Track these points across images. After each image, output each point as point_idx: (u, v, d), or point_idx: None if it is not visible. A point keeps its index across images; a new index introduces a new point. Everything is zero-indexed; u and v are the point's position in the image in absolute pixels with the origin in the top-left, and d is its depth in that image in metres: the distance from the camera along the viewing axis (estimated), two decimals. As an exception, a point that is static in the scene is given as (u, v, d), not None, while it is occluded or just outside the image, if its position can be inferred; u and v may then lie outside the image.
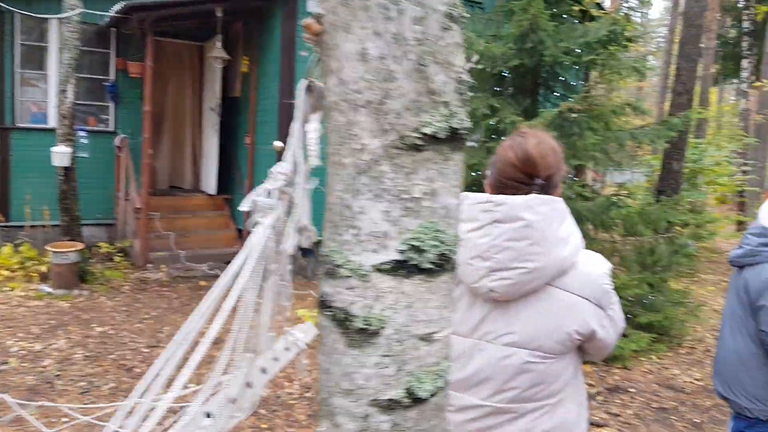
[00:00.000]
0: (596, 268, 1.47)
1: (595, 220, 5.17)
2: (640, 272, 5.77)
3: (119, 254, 8.04)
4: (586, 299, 1.44)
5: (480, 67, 6.11)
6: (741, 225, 14.62)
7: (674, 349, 5.68)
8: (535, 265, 1.37)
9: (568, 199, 4.72)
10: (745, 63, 15.89)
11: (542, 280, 1.40)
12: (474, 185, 6.18)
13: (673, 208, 6.01)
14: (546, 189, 1.46)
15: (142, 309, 6.24)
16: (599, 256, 1.52)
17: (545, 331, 1.43)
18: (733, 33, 17.88)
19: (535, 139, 1.49)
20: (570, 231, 1.44)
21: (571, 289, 1.42)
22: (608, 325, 1.48)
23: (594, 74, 5.31)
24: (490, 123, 5.69)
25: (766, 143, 13.09)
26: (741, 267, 2.72)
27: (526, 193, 1.43)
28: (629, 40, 5.87)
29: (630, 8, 6.57)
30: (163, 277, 7.52)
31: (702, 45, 17.32)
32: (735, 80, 18.57)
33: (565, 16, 5.99)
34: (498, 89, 6.08)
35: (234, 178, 9.03)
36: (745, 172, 13.56)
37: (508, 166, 1.48)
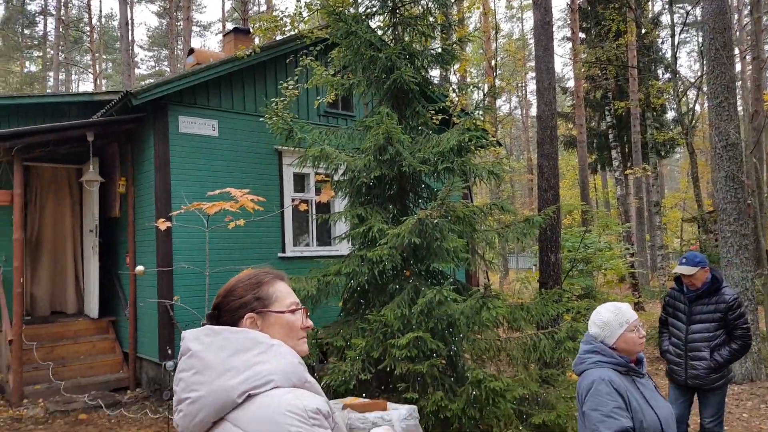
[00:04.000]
0: (282, 406, 1.27)
1: (468, 323, 5.16)
2: (526, 369, 5.78)
3: (-9, 392, 7.30)
4: None
5: (346, 178, 6.26)
6: (637, 305, 15.39)
7: None
8: (198, 394, 1.32)
9: (438, 304, 4.69)
10: (614, 153, 17.47)
11: (211, 412, 1.30)
12: (354, 295, 6.11)
13: (554, 300, 6.14)
14: (224, 319, 1.46)
15: (7, 455, 5.53)
16: (305, 393, 1.34)
17: None
18: (602, 126, 19.74)
19: (241, 275, 1.54)
20: (252, 362, 1.32)
21: (239, 423, 1.28)
22: None
23: (451, 181, 5.50)
24: (362, 231, 5.73)
25: (643, 226, 14.14)
26: (579, 374, 2.75)
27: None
28: (482, 146, 6.23)
29: (480, 112, 7.03)
30: (39, 413, 6.85)
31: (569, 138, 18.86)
32: (609, 169, 20.26)
33: (420, 128, 6.30)
34: (367, 198, 6.19)
35: (117, 300, 8.58)
36: (632, 254, 14.47)
37: None
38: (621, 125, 18.40)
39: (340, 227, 8.15)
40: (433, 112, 6.95)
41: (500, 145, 10.76)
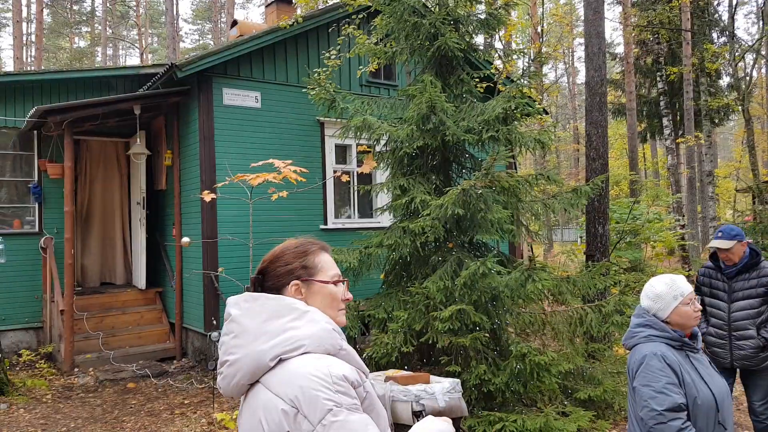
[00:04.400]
0: (307, 369, 1.28)
1: (513, 296, 5.08)
2: (571, 343, 5.67)
3: (43, 360, 7.66)
4: (281, 398, 1.28)
5: (388, 149, 6.19)
6: (687, 278, 14.90)
7: (619, 424, 5.29)
8: (235, 357, 1.37)
9: (482, 276, 4.62)
10: (665, 121, 16.76)
11: (246, 375, 1.36)
12: (396, 267, 6.09)
13: (601, 273, 5.97)
14: (269, 284, 1.49)
15: (60, 421, 5.85)
16: (333, 360, 1.33)
17: (253, 430, 1.34)
18: (653, 93, 18.93)
19: (287, 242, 1.56)
20: (285, 327, 1.35)
21: (270, 385, 1.32)
22: None
23: (496, 150, 5.37)
24: (404, 202, 5.68)
25: (694, 196, 13.59)
26: (630, 349, 2.66)
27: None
28: (528, 114, 6.04)
29: (527, 79, 6.80)
30: (89, 382, 7.14)
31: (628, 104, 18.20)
32: (659, 137, 19.49)
33: (465, 96, 6.14)
34: (409, 169, 6.11)
35: (164, 271, 8.82)
36: (683, 226, 13.97)
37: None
38: (673, 92, 17.59)
39: (382, 199, 8.11)
40: (477, 79, 6.76)
41: (546, 113, 10.44)
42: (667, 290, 2.51)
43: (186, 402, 6.42)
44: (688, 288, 2.54)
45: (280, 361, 1.32)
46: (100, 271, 9.60)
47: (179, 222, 8.23)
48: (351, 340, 6.90)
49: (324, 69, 7.41)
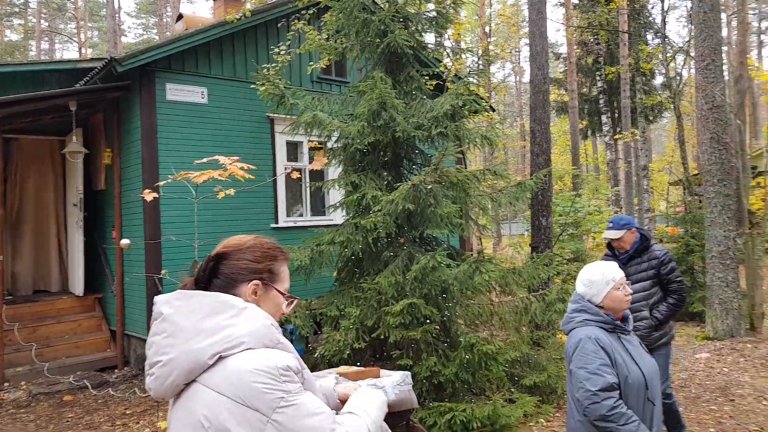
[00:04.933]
0: (251, 364, 1.29)
1: (462, 288, 5.19)
2: (518, 332, 5.84)
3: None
4: (227, 396, 1.29)
5: (339, 145, 6.19)
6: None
7: (562, 407, 5.46)
8: (169, 357, 1.34)
9: (432, 270, 4.69)
10: (604, 118, 17.40)
11: (182, 374, 1.34)
12: (348, 264, 6.11)
13: (545, 264, 6.17)
14: (224, 273, 1.48)
15: (-13, 441, 5.51)
16: (275, 352, 1.35)
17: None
18: (594, 92, 19.62)
19: (256, 238, 1.57)
20: (224, 324, 1.35)
21: (211, 384, 1.31)
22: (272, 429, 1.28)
23: (445, 146, 5.46)
24: (356, 199, 5.69)
25: (631, 190, 14.20)
26: (567, 334, 2.78)
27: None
28: (475, 112, 6.16)
29: (474, 76, 6.95)
30: (21, 397, 6.71)
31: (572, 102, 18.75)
32: (599, 134, 20.22)
33: (414, 93, 6.21)
34: (361, 165, 6.13)
35: (104, 276, 8.48)
36: (619, 218, 14.50)
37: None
38: (611, 90, 18.29)
39: (335, 196, 8.10)
40: (427, 77, 6.85)
41: (494, 110, 10.67)
42: (600, 277, 2.65)
43: (128, 412, 6.17)
44: (619, 273, 2.68)
45: (220, 358, 1.32)
46: (33, 278, 9.10)
47: (120, 224, 7.92)
48: (303, 339, 6.89)
49: (273, 65, 7.32)
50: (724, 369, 6.47)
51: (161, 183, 6.23)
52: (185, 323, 1.35)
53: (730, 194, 7.91)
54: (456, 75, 8.92)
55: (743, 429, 4.78)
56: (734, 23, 16.48)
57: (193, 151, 7.31)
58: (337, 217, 7.87)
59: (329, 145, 6.54)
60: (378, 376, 3.51)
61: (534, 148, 7.85)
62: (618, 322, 2.65)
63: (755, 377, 6.08)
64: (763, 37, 29.40)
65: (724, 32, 18.64)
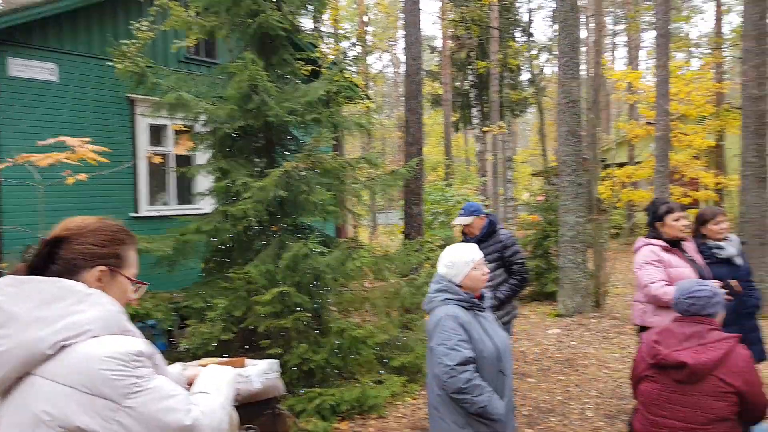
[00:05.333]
0: (100, 351, 1.23)
1: (334, 275, 5.21)
2: (388, 316, 6.00)
3: None
4: (72, 387, 1.21)
5: (208, 129, 5.93)
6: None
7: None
8: (2, 349, 1.24)
9: (304, 257, 4.65)
10: (474, 111, 18.33)
11: (16, 367, 1.23)
12: (216, 254, 5.89)
13: (415, 249, 6.38)
14: (64, 257, 1.36)
15: None
16: (124, 338, 1.29)
17: (24, 429, 1.23)
18: (466, 86, 20.55)
19: (100, 220, 1.46)
20: (66, 311, 1.26)
21: (52, 376, 1.23)
22: (124, 419, 1.22)
23: (319, 132, 5.43)
24: (224, 185, 5.49)
25: (497, 180, 15.14)
26: (429, 313, 2.90)
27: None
28: (350, 98, 6.19)
29: (349, 63, 7.02)
30: None
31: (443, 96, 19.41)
32: (470, 126, 21.27)
33: (288, 77, 6.10)
34: (231, 151, 5.92)
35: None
36: (487, 206, 15.44)
37: None
38: (482, 85, 19.26)
39: (203, 183, 7.74)
40: (302, 62, 6.74)
41: (369, 98, 10.80)
42: (460, 258, 2.81)
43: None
44: (478, 254, 2.86)
45: (63, 347, 1.23)
46: None
47: (-45, 211, 7.04)
48: (166, 334, 6.55)
49: (134, 41, 6.81)
50: (572, 342, 7.12)
51: (0, 166, 5.59)
52: (20, 311, 1.24)
53: (582, 183, 8.69)
54: (333, 62, 8.88)
55: (586, 395, 5.29)
56: (592, 25, 17.98)
57: (41, 134, 6.58)
58: (206, 205, 7.56)
59: (197, 128, 6.24)
60: (243, 366, 3.43)
61: (408, 138, 8.07)
62: (476, 300, 2.81)
63: (598, 349, 6.75)
64: (616, 38, 32.47)
65: (584, 34, 20.40)
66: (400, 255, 6.19)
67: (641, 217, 11.65)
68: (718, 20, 17.39)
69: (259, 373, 3.19)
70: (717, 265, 3.96)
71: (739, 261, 4.00)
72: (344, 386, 4.86)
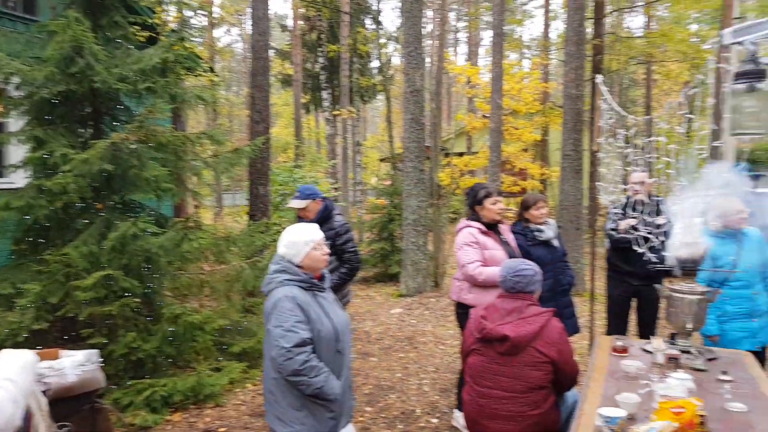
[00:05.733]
0: None
1: (169, 257, 4.86)
2: (229, 300, 5.76)
3: None
4: None
5: (23, 93, 5.18)
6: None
7: None
8: None
9: (134, 238, 4.26)
10: (325, 94, 18.33)
11: None
12: (30, 233, 5.20)
13: (261, 231, 6.18)
14: None
15: None
16: None
17: None
18: (317, 67, 20.41)
19: None
20: None
21: None
22: None
23: (152, 102, 4.99)
24: (40, 157, 4.85)
25: (347, 164, 15.31)
26: (268, 294, 2.80)
27: None
28: (189, 69, 5.79)
29: (192, 33, 6.61)
30: None
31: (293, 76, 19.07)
32: (321, 109, 21.23)
33: (120, 41, 5.53)
34: (51, 118, 5.23)
35: None
36: (336, 189, 15.55)
37: None
38: (333, 68, 19.24)
39: (16, 154, 6.77)
40: (138, 26, 6.15)
41: (213, 72, 10.25)
42: (300, 237, 2.76)
43: None
44: (319, 235, 2.84)
45: None
46: None
47: None
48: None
49: None
50: (413, 321, 7.45)
51: None
52: None
53: (423, 169, 9.07)
54: (173, 30, 8.26)
55: (424, 370, 5.56)
56: (437, 19, 18.78)
57: None
58: (19, 179, 6.64)
59: (11, 92, 5.42)
60: (56, 358, 3.08)
61: (254, 115, 7.79)
62: (315, 281, 2.78)
63: (436, 326, 7.13)
64: (459, 34, 34.34)
65: (430, 27, 21.29)
66: (244, 237, 5.97)
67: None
68: (546, 25, 19.18)
69: (74, 364, 2.89)
70: (537, 247, 4.34)
71: (556, 243, 4.42)
72: (178, 376, 4.58)
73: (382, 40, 15.01)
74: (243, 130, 33.02)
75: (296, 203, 4.48)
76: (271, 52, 18.89)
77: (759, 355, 3.85)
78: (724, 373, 2.91)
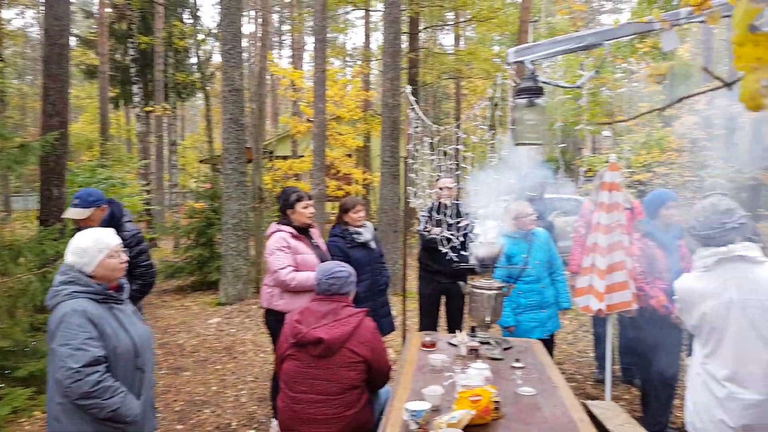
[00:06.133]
0: None
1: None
2: (12, 317, 5.01)
3: None
4: None
5: None
6: (151, 242, 15.56)
7: None
8: None
9: None
10: (136, 89, 16.94)
11: None
12: None
13: (53, 238, 5.46)
14: None
15: None
16: None
17: None
18: (127, 60, 18.77)
19: None
20: None
21: None
22: None
23: None
24: None
25: (162, 165, 14.31)
26: (53, 309, 2.48)
27: None
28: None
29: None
30: None
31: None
32: (131, 105, 19.62)
33: None
34: None
35: None
36: (148, 192, 14.45)
37: None
38: (145, 61, 17.87)
39: None
40: None
41: (0, 57, 8.89)
42: (93, 244, 2.48)
43: None
44: (115, 240, 2.57)
45: None
46: None
47: None
48: None
49: None
50: (232, 330, 7.17)
51: None
52: None
53: (244, 171, 8.80)
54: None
55: (242, 381, 5.36)
56: (260, 20, 18.43)
57: None
58: None
59: None
60: None
61: (47, 108, 6.87)
62: (111, 292, 2.51)
63: (257, 334, 6.93)
64: (284, 37, 34.07)
65: (253, 27, 20.82)
66: (33, 245, 5.24)
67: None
68: (367, 36, 19.88)
69: None
70: (356, 248, 4.43)
71: (373, 245, 4.56)
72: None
73: (201, 36, 14.31)
74: (38, 125, 29.24)
75: (75, 213, 3.71)
76: (72, 40, 16.98)
77: (548, 342, 4.37)
78: (517, 360, 3.22)
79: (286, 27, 29.19)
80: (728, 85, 0.74)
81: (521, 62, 2.06)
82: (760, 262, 2.45)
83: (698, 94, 0.91)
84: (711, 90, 0.92)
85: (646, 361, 4.02)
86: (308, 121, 14.84)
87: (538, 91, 2.08)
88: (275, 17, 24.31)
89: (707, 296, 2.49)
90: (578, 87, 2.18)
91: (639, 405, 4.35)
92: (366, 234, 4.49)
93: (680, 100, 0.88)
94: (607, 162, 4.33)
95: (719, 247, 2.50)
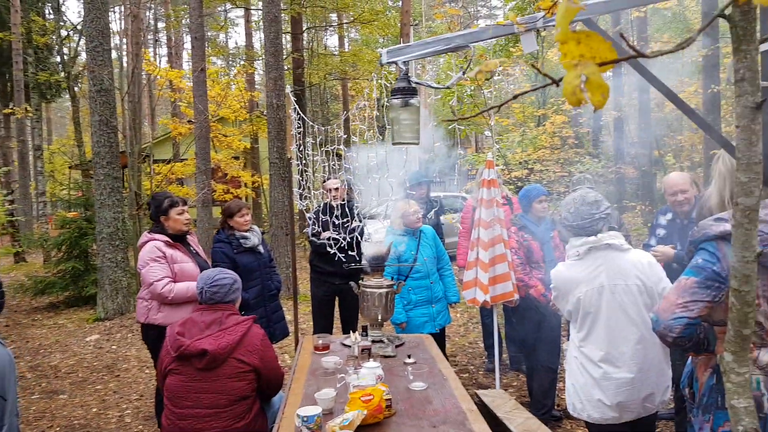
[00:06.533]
0: None
1: None
2: None
3: None
4: None
5: None
6: (18, 256, 14.16)
7: None
8: None
9: None
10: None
11: None
12: None
13: None
14: None
15: None
16: None
17: None
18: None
19: None
20: None
21: None
22: None
23: None
24: None
25: (27, 172, 13.05)
26: None
27: None
28: None
29: None
30: None
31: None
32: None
33: None
34: None
35: None
36: (12, 201, 13.14)
37: None
38: (1, 59, 16.20)
39: None
40: None
41: None
42: None
43: None
44: None
45: None
46: None
47: None
48: None
49: None
50: (113, 347, 6.69)
51: None
52: None
53: (119, 177, 8.24)
54: None
55: (126, 400, 5.02)
56: (131, 17, 17.31)
57: None
58: None
59: None
60: None
61: None
62: None
63: (140, 349, 6.52)
64: (161, 35, 32.32)
65: (124, 24, 19.46)
66: None
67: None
68: (249, 35, 19.36)
69: None
70: (244, 254, 4.31)
71: (261, 249, 4.45)
72: None
73: (65, 33, 13.18)
74: None
75: None
76: None
77: (439, 336, 4.50)
78: (409, 356, 3.28)
79: (162, 24, 27.74)
80: (556, 82, 0.79)
81: (394, 63, 2.10)
82: (625, 249, 2.69)
83: (529, 92, 0.98)
84: (541, 87, 1.00)
85: (529, 348, 4.27)
86: (189, 122, 14.21)
87: (412, 92, 2.13)
88: (149, 14, 23.01)
89: (580, 282, 2.68)
90: (447, 87, 2.26)
91: (526, 391, 4.60)
92: (253, 238, 4.38)
93: (515, 97, 0.94)
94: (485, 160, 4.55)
95: (589, 237, 2.70)
